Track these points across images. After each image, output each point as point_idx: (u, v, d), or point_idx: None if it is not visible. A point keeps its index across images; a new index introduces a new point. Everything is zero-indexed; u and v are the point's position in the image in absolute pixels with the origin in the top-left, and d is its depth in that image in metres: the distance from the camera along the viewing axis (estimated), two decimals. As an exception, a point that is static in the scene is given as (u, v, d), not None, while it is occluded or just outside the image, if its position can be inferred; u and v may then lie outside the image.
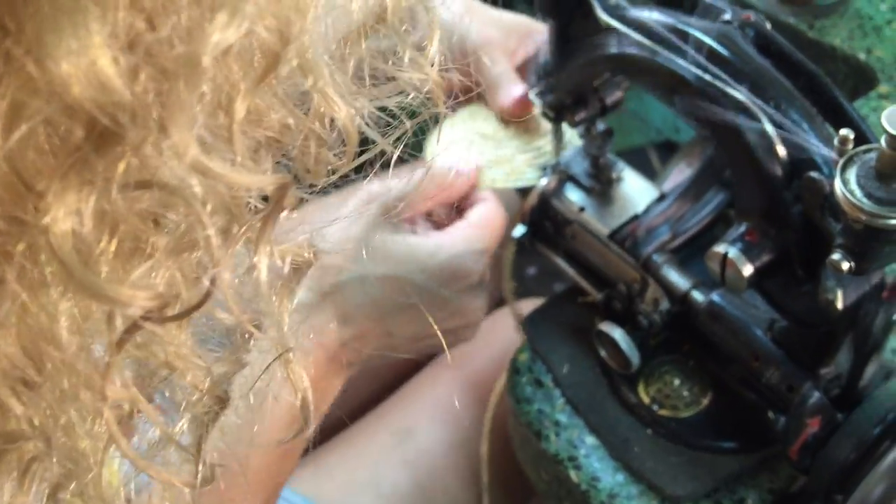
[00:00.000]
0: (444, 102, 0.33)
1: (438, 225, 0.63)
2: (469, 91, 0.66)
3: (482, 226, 0.60)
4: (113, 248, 0.25)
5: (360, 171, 0.33)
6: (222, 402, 0.31)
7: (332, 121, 0.28)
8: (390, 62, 0.31)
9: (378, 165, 0.34)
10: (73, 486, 0.29)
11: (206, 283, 0.26)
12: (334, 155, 0.30)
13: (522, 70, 0.66)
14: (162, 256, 0.25)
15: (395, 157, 0.33)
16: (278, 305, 0.30)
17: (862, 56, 0.76)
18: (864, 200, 0.39)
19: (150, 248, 0.25)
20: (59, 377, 0.26)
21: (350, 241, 0.58)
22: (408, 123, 0.32)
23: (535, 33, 0.68)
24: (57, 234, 0.23)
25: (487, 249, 0.59)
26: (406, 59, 0.31)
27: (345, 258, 0.57)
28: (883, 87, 0.74)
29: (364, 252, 0.57)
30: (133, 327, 0.26)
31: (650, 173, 1.27)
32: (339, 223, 0.59)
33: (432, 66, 0.31)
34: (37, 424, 0.27)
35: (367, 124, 0.31)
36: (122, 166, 0.23)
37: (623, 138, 1.24)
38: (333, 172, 0.30)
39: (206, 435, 0.31)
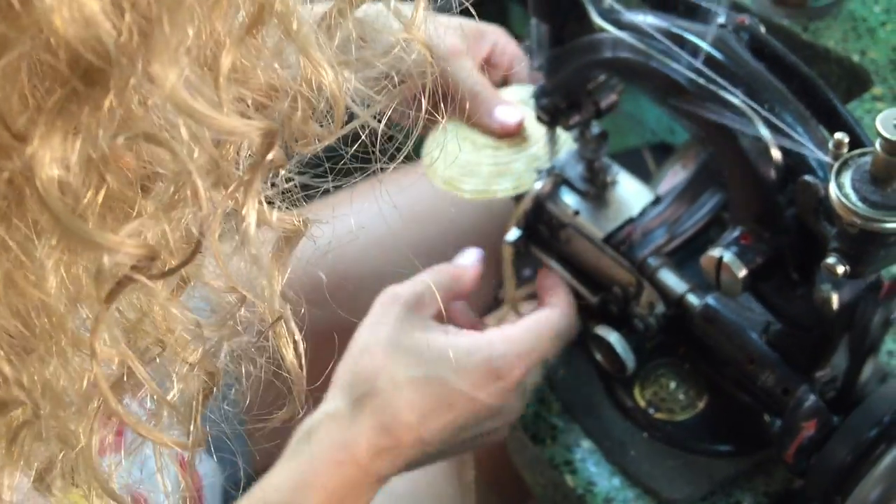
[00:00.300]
0: (418, 114, 0.33)
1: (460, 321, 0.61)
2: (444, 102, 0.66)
3: (528, 328, 0.57)
4: (100, 199, 0.24)
5: (357, 169, 0.33)
6: (213, 377, 0.31)
7: (319, 88, 0.28)
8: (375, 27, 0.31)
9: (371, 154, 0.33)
10: (62, 459, 0.29)
11: (195, 235, 0.26)
12: (321, 126, 0.29)
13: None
14: (150, 213, 0.25)
15: (386, 145, 0.32)
16: (269, 276, 0.30)
17: (856, 58, 0.77)
18: (859, 204, 0.39)
19: (139, 206, 0.25)
20: (48, 339, 0.26)
21: (378, 345, 0.55)
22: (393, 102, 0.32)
23: (489, 35, 0.69)
24: (44, 180, 0.22)
25: (531, 353, 0.56)
26: (392, 23, 0.31)
27: (378, 362, 0.55)
28: (877, 89, 0.74)
29: (395, 355, 0.55)
30: (124, 280, 0.25)
31: (645, 175, 1.27)
32: (364, 325, 0.57)
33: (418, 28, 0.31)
34: (26, 387, 0.26)
35: (353, 101, 0.30)
36: (107, 105, 0.22)
37: (618, 140, 1.24)
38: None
39: (199, 404, 0.31)
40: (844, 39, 0.78)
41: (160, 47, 0.22)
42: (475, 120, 0.65)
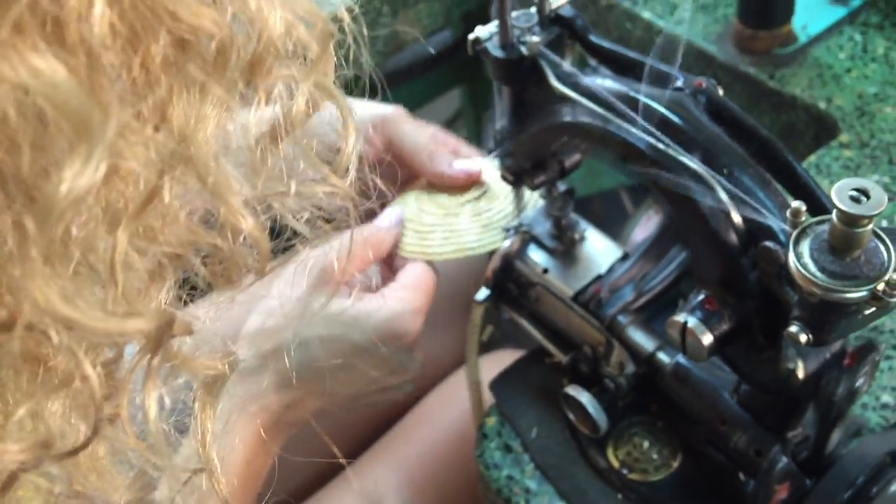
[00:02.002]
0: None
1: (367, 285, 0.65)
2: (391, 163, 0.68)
3: (415, 287, 0.63)
4: None
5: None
6: None
7: (238, 232, 0.28)
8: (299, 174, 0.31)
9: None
10: None
11: (91, 420, 0.25)
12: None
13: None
14: (44, 396, 0.24)
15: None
16: (201, 415, 0.30)
17: (822, 105, 0.77)
18: (818, 274, 0.39)
19: (32, 387, 0.24)
20: None
21: (290, 305, 0.60)
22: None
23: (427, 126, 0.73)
24: None
25: (422, 309, 0.62)
26: (312, 173, 0.31)
27: (286, 321, 0.59)
28: (844, 136, 0.74)
29: (304, 315, 0.59)
30: (9, 480, 0.25)
31: (623, 216, 1.27)
32: (279, 285, 0.61)
33: (346, 173, 0.31)
34: None
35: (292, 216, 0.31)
36: None
37: (594, 181, 1.25)
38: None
39: None
40: (810, 87, 0.78)
41: (30, 269, 0.22)
42: (435, 173, 0.67)
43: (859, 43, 0.81)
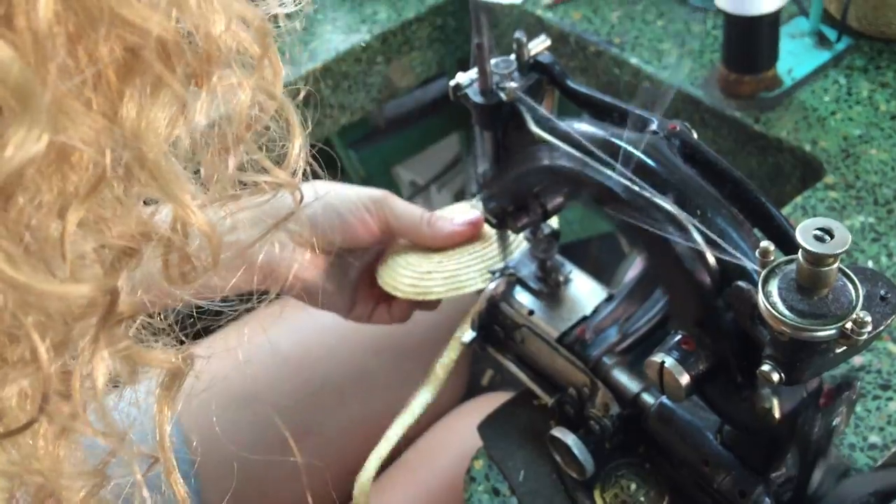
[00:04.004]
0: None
1: None
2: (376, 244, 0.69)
3: None
4: None
5: None
6: None
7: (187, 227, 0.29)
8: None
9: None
10: None
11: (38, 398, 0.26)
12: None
13: None
14: None
15: None
16: (159, 415, 0.30)
17: (808, 147, 0.78)
18: (787, 313, 0.39)
19: None
20: None
21: None
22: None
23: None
24: None
25: None
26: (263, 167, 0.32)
27: None
28: (829, 178, 0.75)
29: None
30: None
31: (619, 258, 1.27)
32: None
33: (294, 170, 0.33)
34: None
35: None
36: None
37: (591, 224, 1.26)
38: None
39: None
40: (796, 129, 0.79)
41: None
42: (443, 236, 0.68)
43: (844, 86, 0.82)
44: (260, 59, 0.31)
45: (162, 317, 0.32)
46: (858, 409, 0.61)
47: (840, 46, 0.85)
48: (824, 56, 0.84)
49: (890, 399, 0.61)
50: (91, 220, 0.26)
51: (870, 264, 0.67)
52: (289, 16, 0.33)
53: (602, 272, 1.14)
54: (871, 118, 0.79)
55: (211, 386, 0.36)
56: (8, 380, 0.26)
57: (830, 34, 0.85)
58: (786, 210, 0.73)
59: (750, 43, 0.79)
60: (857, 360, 0.63)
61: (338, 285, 0.70)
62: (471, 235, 0.68)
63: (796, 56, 0.84)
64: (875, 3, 0.81)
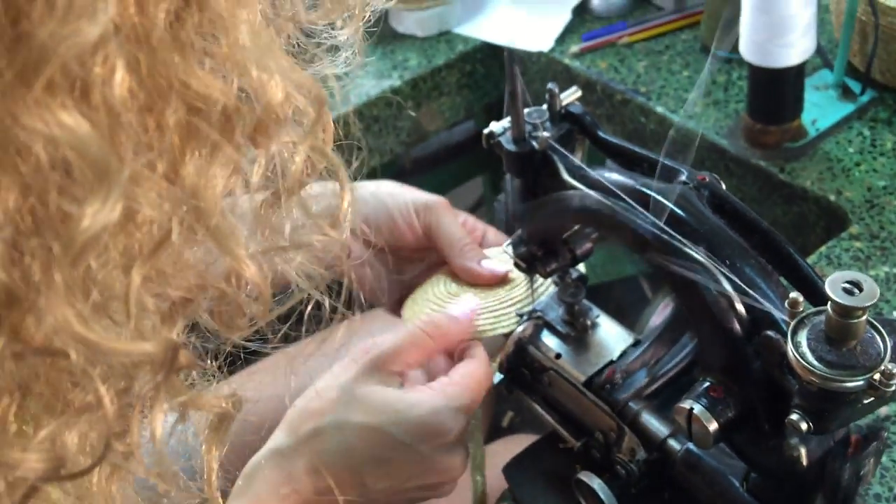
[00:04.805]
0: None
1: (433, 377, 0.63)
2: (423, 249, 0.71)
3: (464, 383, 0.60)
4: (13, 409, 0.26)
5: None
6: None
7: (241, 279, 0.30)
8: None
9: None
10: None
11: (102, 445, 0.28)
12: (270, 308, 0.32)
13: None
14: (64, 419, 0.27)
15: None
16: (207, 455, 0.32)
17: (832, 197, 0.79)
18: (816, 363, 0.40)
19: (58, 408, 0.27)
20: None
21: (333, 390, 0.59)
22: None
23: (459, 212, 0.75)
24: None
25: (468, 407, 0.59)
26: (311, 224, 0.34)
27: (328, 405, 0.58)
28: (854, 228, 0.76)
29: (346, 401, 0.58)
30: (30, 491, 0.27)
31: (642, 302, 1.27)
32: (330, 371, 0.60)
33: (342, 226, 0.34)
34: None
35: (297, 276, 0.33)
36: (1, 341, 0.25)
37: (614, 267, 1.26)
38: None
39: None
40: (820, 179, 0.80)
41: (52, 293, 0.25)
42: (464, 265, 0.69)
43: (868, 137, 0.83)
44: (315, 122, 0.32)
45: (211, 360, 0.34)
46: (884, 459, 0.61)
47: (864, 99, 0.86)
48: (848, 108, 0.85)
49: (916, 450, 0.61)
50: (153, 275, 0.28)
51: (895, 315, 0.68)
52: (338, 77, 0.35)
53: (625, 316, 1.14)
54: (896, 170, 0.80)
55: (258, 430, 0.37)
56: (71, 424, 0.27)
57: (855, 86, 0.87)
58: (811, 259, 0.74)
59: (775, 94, 0.80)
60: (883, 410, 0.64)
61: (380, 288, 0.71)
62: (485, 282, 0.69)
63: (821, 108, 0.85)
64: (899, 57, 0.83)
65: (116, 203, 0.25)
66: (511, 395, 0.66)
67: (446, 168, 1.27)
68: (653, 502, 0.62)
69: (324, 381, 0.60)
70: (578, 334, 0.64)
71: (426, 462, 0.58)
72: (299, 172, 0.33)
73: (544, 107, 0.57)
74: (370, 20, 0.37)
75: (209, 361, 0.34)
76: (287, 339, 0.43)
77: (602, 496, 0.58)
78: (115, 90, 0.25)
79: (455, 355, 0.65)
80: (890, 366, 0.39)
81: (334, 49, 0.37)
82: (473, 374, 0.61)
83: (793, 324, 0.41)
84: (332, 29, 0.36)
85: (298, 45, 0.35)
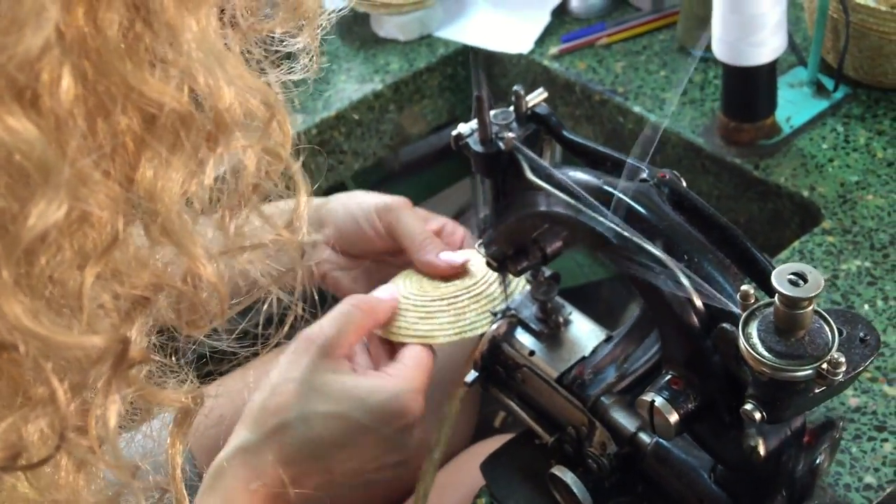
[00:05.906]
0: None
1: (376, 363, 0.67)
2: (394, 251, 0.73)
3: (416, 366, 0.64)
4: None
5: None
6: None
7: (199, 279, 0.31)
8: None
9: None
10: None
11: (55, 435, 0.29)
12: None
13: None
14: (22, 411, 0.28)
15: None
16: (171, 450, 0.33)
17: (806, 193, 0.80)
18: (766, 354, 0.41)
19: (17, 401, 0.28)
20: None
21: (291, 383, 0.62)
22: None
23: (437, 217, 0.77)
24: None
25: (422, 389, 0.64)
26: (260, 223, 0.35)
27: (289, 398, 0.61)
28: (827, 223, 0.77)
29: (307, 392, 0.61)
30: None
31: (629, 299, 1.28)
32: (277, 366, 0.63)
33: (297, 228, 0.35)
34: None
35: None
36: None
37: (601, 268, 1.28)
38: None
39: None
40: (794, 176, 0.81)
41: (1, 285, 0.26)
42: (423, 259, 0.71)
43: (841, 133, 0.84)
44: (266, 124, 0.34)
45: (175, 358, 0.35)
46: (854, 449, 0.62)
47: (838, 95, 0.87)
48: (822, 104, 0.86)
49: (885, 440, 0.62)
50: (108, 274, 0.29)
51: (866, 308, 0.69)
52: (296, 83, 0.36)
53: (612, 314, 1.15)
54: (868, 165, 0.81)
55: (219, 423, 0.38)
56: (30, 418, 0.28)
57: (828, 83, 0.88)
58: (784, 254, 0.75)
59: (748, 92, 0.81)
60: (853, 401, 0.65)
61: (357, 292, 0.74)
62: (445, 274, 0.72)
63: (795, 104, 0.86)
64: (871, 54, 0.84)
65: (62, 203, 0.26)
66: (486, 393, 0.67)
67: (435, 171, 1.28)
68: (626, 495, 0.63)
69: (277, 374, 0.63)
70: (552, 331, 0.65)
71: (388, 443, 0.61)
72: (252, 175, 0.34)
73: (511, 108, 0.58)
74: (326, 27, 0.38)
75: (170, 357, 0.35)
76: (278, 346, 0.44)
77: (575, 490, 0.59)
78: (61, 96, 0.26)
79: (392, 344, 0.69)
80: (836, 355, 0.40)
81: (293, 56, 0.38)
82: (421, 357, 0.66)
83: (744, 316, 0.42)
84: (291, 38, 0.37)
85: (253, 53, 0.36)
